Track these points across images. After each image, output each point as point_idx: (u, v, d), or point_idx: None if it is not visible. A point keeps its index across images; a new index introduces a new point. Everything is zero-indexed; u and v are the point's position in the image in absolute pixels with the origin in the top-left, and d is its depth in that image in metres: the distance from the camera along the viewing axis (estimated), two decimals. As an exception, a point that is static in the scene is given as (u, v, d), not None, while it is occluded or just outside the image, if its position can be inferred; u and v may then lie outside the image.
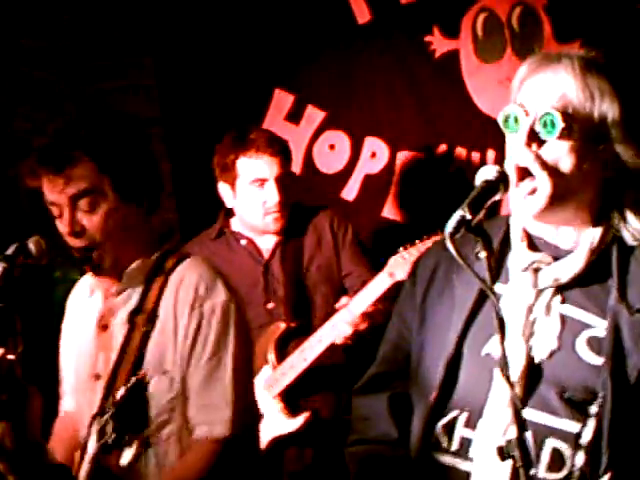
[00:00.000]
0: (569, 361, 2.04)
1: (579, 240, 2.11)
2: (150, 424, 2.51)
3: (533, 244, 2.13)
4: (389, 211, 4.43)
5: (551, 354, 2.05)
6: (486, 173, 2.02)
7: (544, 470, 2.00)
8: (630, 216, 2.09)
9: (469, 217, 1.89)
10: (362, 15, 4.43)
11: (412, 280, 2.32)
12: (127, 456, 2.35)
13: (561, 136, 2.01)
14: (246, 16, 4.47)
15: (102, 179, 2.54)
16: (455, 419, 2.11)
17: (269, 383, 3.68)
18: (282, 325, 3.69)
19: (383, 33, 4.41)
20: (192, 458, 2.55)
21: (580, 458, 1.99)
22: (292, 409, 3.68)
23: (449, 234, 1.87)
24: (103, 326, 2.65)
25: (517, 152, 2.04)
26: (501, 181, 2.02)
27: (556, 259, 2.10)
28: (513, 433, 1.91)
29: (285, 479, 3.69)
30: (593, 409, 2.00)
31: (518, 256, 2.12)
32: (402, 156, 4.38)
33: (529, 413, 2.02)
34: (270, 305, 3.74)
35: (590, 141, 2.05)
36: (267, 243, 3.81)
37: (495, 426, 2.04)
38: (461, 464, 2.08)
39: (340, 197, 4.48)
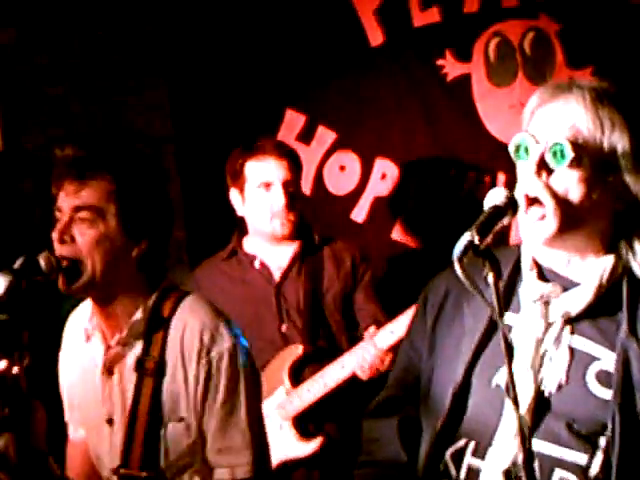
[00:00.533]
0: (578, 394, 2.03)
1: (589, 272, 2.10)
2: (172, 468, 2.55)
3: (543, 274, 2.13)
4: (398, 234, 4.42)
5: (560, 387, 2.05)
6: (495, 198, 2.03)
7: None
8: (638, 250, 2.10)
9: (477, 241, 1.89)
10: (375, 38, 4.44)
11: (423, 305, 2.32)
12: None
13: (571, 166, 2.02)
14: (258, 37, 4.48)
15: (109, 204, 2.53)
16: (463, 448, 2.12)
17: (282, 405, 3.67)
18: (299, 349, 3.67)
19: (395, 56, 4.42)
20: None
21: None
22: (304, 433, 3.67)
23: (457, 258, 1.87)
24: (109, 372, 2.63)
25: (527, 181, 2.05)
26: (509, 206, 2.03)
27: (565, 290, 2.09)
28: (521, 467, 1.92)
29: None
30: (602, 441, 2.00)
31: (529, 286, 2.12)
32: (412, 178, 4.39)
33: (537, 444, 2.01)
34: (284, 327, 3.73)
35: (600, 171, 2.05)
36: (279, 263, 3.79)
37: (503, 456, 2.04)
38: None
39: (350, 218, 4.47)
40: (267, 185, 3.68)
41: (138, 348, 2.59)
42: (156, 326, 2.59)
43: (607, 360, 2.05)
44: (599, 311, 2.09)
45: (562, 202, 2.03)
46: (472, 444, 2.10)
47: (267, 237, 3.77)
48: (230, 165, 3.78)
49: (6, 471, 1.75)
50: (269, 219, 3.71)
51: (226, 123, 4.46)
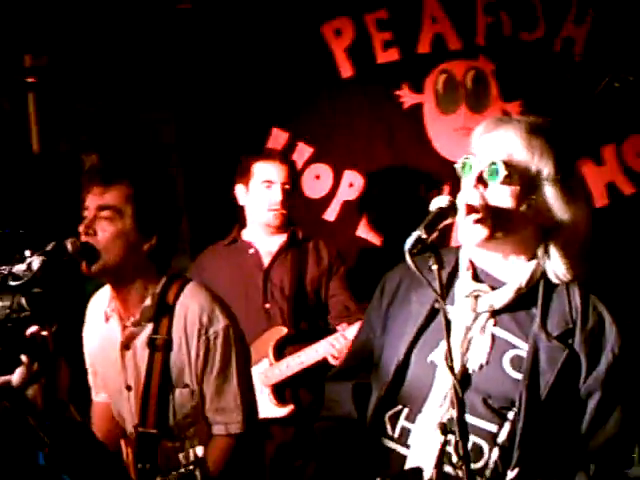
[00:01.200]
0: (494, 374, 2.05)
1: (513, 274, 2.11)
2: (179, 425, 2.57)
3: (477, 275, 2.13)
4: (362, 231, 4.42)
5: (481, 367, 2.06)
6: (440, 202, 2.03)
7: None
8: (554, 260, 2.10)
9: (425, 236, 1.90)
10: (345, 71, 4.43)
11: (380, 291, 2.32)
12: None
13: (503, 182, 2.03)
14: (250, 69, 4.45)
15: (127, 206, 2.54)
16: (399, 412, 2.13)
17: (265, 374, 3.66)
18: (284, 330, 3.67)
19: (362, 86, 4.42)
20: (214, 451, 2.59)
21: (495, 453, 2.01)
22: (280, 398, 3.67)
23: (408, 250, 1.88)
24: (126, 347, 2.64)
25: (468, 192, 2.06)
26: (451, 208, 2.03)
27: (493, 288, 2.10)
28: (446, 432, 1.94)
29: (273, 446, 3.66)
30: (510, 415, 2.01)
31: (463, 284, 2.12)
32: (374, 186, 4.38)
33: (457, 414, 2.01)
34: (267, 305, 3.72)
35: (527, 190, 2.05)
36: (269, 252, 3.78)
37: (430, 422, 2.05)
38: (400, 449, 2.09)
39: (323, 218, 4.46)
40: (269, 183, 3.70)
41: (149, 328, 2.60)
42: (163, 311, 2.60)
43: (521, 348, 2.06)
44: (519, 307, 2.10)
45: (494, 211, 2.04)
46: (406, 410, 2.11)
47: (262, 226, 3.77)
48: (240, 166, 3.79)
49: (34, 416, 1.74)
50: (266, 210, 3.73)
51: (222, 138, 4.43)
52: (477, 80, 4.31)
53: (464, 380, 2.05)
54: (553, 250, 2.09)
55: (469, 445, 1.95)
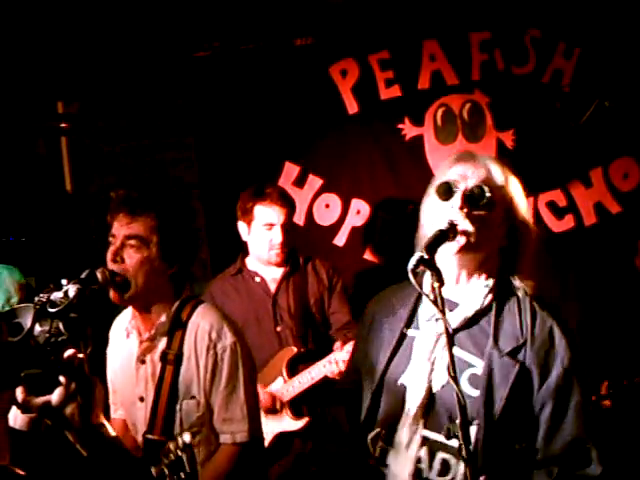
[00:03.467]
0: (450, 392, 2.02)
1: (469, 293, 2.11)
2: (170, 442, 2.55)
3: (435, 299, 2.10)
4: (369, 255, 4.43)
5: (443, 386, 2.05)
6: (440, 224, 2.05)
7: (435, 475, 2.02)
8: (516, 275, 2.12)
9: (426, 257, 1.91)
10: (352, 107, 4.46)
11: (361, 323, 2.33)
12: None
13: (485, 205, 2.05)
14: (264, 109, 4.49)
15: (153, 236, 2.55)
16: (377, 434, 2.12)
17: (281, 392, 3.66)
18: (294, 349, 3.67)
19: (367, 121, 4.44)
20: (220, 459, 2.60)
21: (461, 466, 1.98)
22: (296, 413, 3.66)
23: (410, 269, 1.88)
24: (141, 361, 2.65)
25: (452, 213, 2.06)
26: (450, 230, 2.05)
27: (450, 310, 2.09)
28: (415, 450, 2.00)
29: (293, 458, 3.66)
30: (472, 430, 1.96)
31: (425, 309, 2.13)
32: (379, 213, 4.40)
33: (426, 433, 2.03)
34: (278, 328, 3.71)
35: (503, 213, 2.09)
36: (274, 279, 3.78)
37: (403, 441, 2.05)
38: (381, 469, 2.09)
39: (333, 243, 4.47)
40: (270, 225, 3.67)
41: (163, 343, 2.61)
42: (177, 327, 2.61)
43: (477, 366, 2.05)
44: (474, 324, 2.09)
45: (474, 228, 2.05)
46: (383, 432, 2.10)
47: (264, 261, 3.77)
48: (241, 204, 3.76)
49: (73, 432, 1.76)
50: (267, 250, 3.71)
51: (239, 172, 4.45)
52: (473, 112, 4.34)
53: (430, 400, 2.05)
54: (513, 267, 2.11)
55: (438, 461, 1.99)
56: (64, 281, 1.87)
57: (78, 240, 4.27)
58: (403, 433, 2.05)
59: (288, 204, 3.73)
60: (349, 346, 3.42)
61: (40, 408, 1.74)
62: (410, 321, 2.15)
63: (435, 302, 1.88)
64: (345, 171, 4.48)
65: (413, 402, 2.06)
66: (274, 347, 3.69)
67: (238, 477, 2.59)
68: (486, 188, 2.06)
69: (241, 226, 3.80)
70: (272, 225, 3.67)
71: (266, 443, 3.53)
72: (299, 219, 4.37)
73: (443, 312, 1.88)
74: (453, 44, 4.33)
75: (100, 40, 4.31)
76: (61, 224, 4.37)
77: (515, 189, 2.13)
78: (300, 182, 4.49)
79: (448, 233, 2.03)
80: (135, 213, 2.54)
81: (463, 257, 2.08)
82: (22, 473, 1.71)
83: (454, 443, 1.95)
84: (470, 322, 2.09)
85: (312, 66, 4.45)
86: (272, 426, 3.63)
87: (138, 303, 2.61)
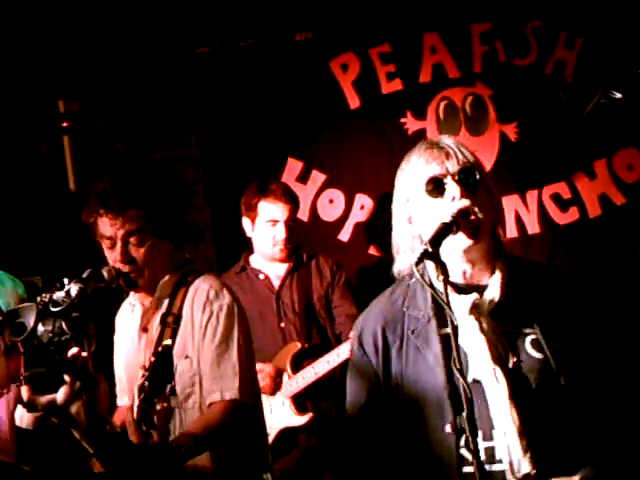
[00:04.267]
0: (527, 363, 2.01)
1: (490, 273, 2.09)
2: (179, 396, 2.54)
3: (459, 289, 2.06)
4: (373, 250, 4.43)
5: (514, 365, 2.01)
6: (443, 217, 2.04)
7: (544, 442, 1.99)
8: (499, 241, 2.11)
9: (430, 250, 1.90)
10: (353, 102, 4.46)
11: (360, 350, 2.17)
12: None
13: (480, 185, 2.04)
14: (267, 105, 4.48)
15: (146, 224, 2.57)
16: (468, 439, 1.91)
17: (285, 387, 3.67)
18: (298, 345, 3.67)
19: (369, 116, 4.44)
20: (208, 415, 2.53)
21: (559, 426, 1.98)
22: (300, 408, 3.67)
23: (415, 263, 1.87)
24: (144, 329, 2.66)
25: (454, 204, 2.00)
26: (454, 223, 2.03)
27: (481, 294, 2.05)
28: (518, 431, 1.94)
29: (298, 452, 3.67)
30: (556, 389, 1.98)
31: (456, 302, 2.02)
32: (383, 208, 4.38)
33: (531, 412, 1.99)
34: (282, 324, 3.73)
35: (484, 190, 2.06)
36: (278, 276, 3.79)
37: (510, 433, 1.98)
38: (492, 467, 1.99)
39: (337, 239, 4.47)
40: (274, 222, 3.68)
41: (164, 307, 2.62)
42: (179, 288, 2.63)
43: (529, 333, 2.04)
44: (509, 300, 2.06)
45: (482, 212, 2.01)
46: (480, 432, 1.97)
47: (268, 257, 3.78)
48: (246, 200, 3.77)
49: (78, 429, 1.76)
50: (271, 246, 3.72)
51: (242, 168, 4.45)
52: (475, 105, 4.34)
53: (513, 379, 1.99)
54: (499, 234, 2.11)
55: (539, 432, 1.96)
56: (66, 280, 1.87)
57: (82, 239, 4.28)
58: (503, 423, 1.98)
59: (292, 200, 3.74)
60: None
61: (45, 407, 1.75)
62: (441, 320, 2.04)
63: (442, 296, 1.86)
64: (348, 166, 4.48)
65: (498, 391, 1.99)
66: (278, 343, 3.70)
67: (226, 435, 2.51)
68: (474, 170, 2.03)
69: (245, 222, 3.81)
70: (276, 221, 3.68)
71: (270, 439, 3.54)
72: (303, 215, 4.36)
73: (449, 305, 1.86)
74: (454, 36, 4.33)
75: (100, 38, 4.31)
76: (65, 223, 4.37)
77: (479, 161, 2.10)
78: (303, 178, 4.48)
79: (452, 226, 2.00)
80: (123, 210, 2.55)
81: (474, 248, 2.05)
82: (28, 469, 1.72)
83: (550, 407, 1.98)
84: (504, 298, 2.06)
85: (312, 61, 4.45)
86: (276, 421, 3.64)
87: (148, 287, 2.63)
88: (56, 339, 1.74)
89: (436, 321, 2.06)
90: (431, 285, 1.95)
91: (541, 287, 2.10)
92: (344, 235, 4.46)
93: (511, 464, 1.97)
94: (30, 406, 1.73)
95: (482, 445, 2.00)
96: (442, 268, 1.89)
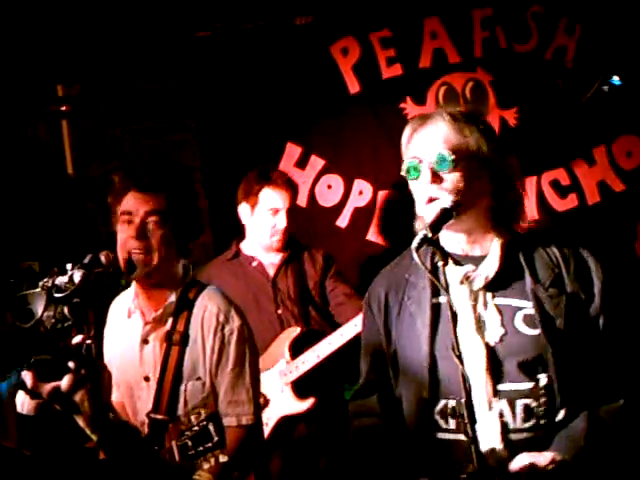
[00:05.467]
0: (515, 338, 2.05)
1: (488, 245, 2.12)
2: (188, 415, 2.53)
3: (456, 261, 2.12)
4: (372, 235, 4.42)
5: (501, 338, 2.05)
6: (443, 202, 2.05)
7: (521, 422, 2.03)
8: (508, 212, 2.13)
9: (430, 235, 1.92)
10: (353, 87, 4.44)
11: (368, 309, 2.29)
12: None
13: (453, 168, 2.05)
14: (266, 89, 4.46)
15: (168, 212, 2.56)
16: (446, 405, 2.08)
17: (284, 373, 3.65)
18: (297, 330, 3.66)
19: (369, 101, 4.42)
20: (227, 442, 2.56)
21: (542, 406, 2.02)
22: (300, 394, 3.64)
23: (415, 248, 1.91)
24: (144, 341, 2.66)
25: (426, 188, 2.08)
26: (454, 209, 2.04)
27: (476, 265, 2.10)
28: (497, 406, 1.99)
29: (294, 444, 3.65)
30: (542, 368, 2.01)
31: (451, 272, 2.08)
32: (382, 194, 4.39)
33: (500, 387, 2.03)
34: (279, 311, 3.71)
35: (475, 166, 2.08)
36: (272, 263, 3.77)
37: (482, 404, 2.04)
38: (462, 437, 2.00)
39: (335, 224, 4.45)
40: (275, 210, 3.67)
41: (168, 324, 2.61)
42: (183, 307, 2.61)
43: (527, 307, 2.06)
44: (505, 272, 2.10)
45: (452, 193, 2.05)
46: (453, 402, 2.04)
47: (263, 246, 3.77)
48: (246, 186, 3.74)
49: (81, 417, 1.77)
50: (269, 236, 3.71)
51: (241, 154, 4.43)
52: (475, 90, 4.32)
53: (492, 354, 2.04)
54: (503, 206, 2.12)
55: (520, 409, 1.99)
56: (69, 266, 1.87)
57: (80, 224, 4.28)
58: (478, 395, 2.04)
59: (293, 189, 3.75)
60: (357, 319, 3.41)
61: (50, 394, 1.74)
62: (436, 289, 2.12)
63: (440, 281, 1.91)
64: (347, 152, 4.46)
65: (477, 363, 2.05)
66: (275, 330, 3.69)
67: (241, 460, 2.59)
68: (446, 153, 2.05)
69: (243, 208, 3.78)
70: (277, 210, 3.67)
71: (269, 429, 3.53)
72: (301, 200, 4.35)
73: (447, 291, 1.89)
74: (455, 22, 4.31)
75: (100, 22, 4.28)
76: (63, 207, 4.37)
77: (481, 132, 2.11)
78: (302, 163, 4.47)
79: (452, 211, 2.03)
80: (150, 190, 2.53)
81: (461, 220, 2.08)
82: (29, 454, 1.73)
83: (529, 385, 2.01)
84: (501, 270, 2.09)
85: (312, 45, 4.43)
86: (275, 409, 3.62)
87: (150, 280, 2.61)
88: (59, 325, 1.74)
89: (430, 289, 2.11)
90: (433, 269, 1.98)
91: (543, 258, 2.11)
92: (342, 221, 4.45)
93: (482, 436, 2.00)
94: (34, 393, 1.73)
95: (454, 414, 2.04)
96: (441, 253, 1.92)
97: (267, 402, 3.62)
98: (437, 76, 4.35)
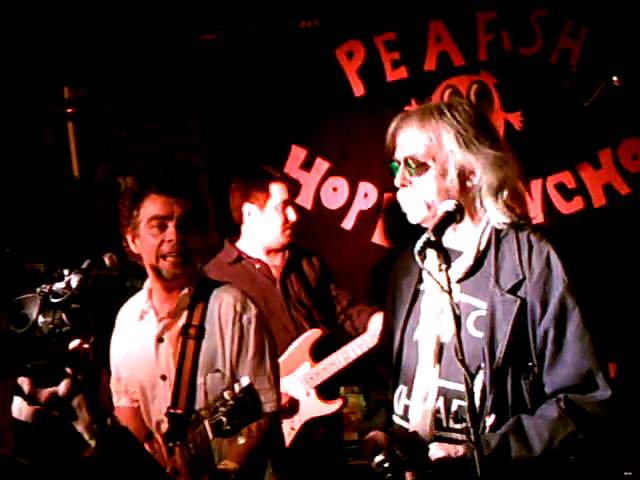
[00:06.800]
0: (464, 338, 1.99)
1: (466, 241, 2.12)
2: (209, 408, 2.51)
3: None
4: (377, 238, 4.40)
5: (452, 336, 2.01)
6: (446, 206, 2.04)
7: (453, 422, 2.04)
8: (490, 208, 2.11)
9: (433, 238, 1.91)
10: (358, 90, 4.42)
11: (388, 287, 2.37)
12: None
13: (420, 172, 2.11)
14: (271, 92, 4.44)
15: (194, 215, 2.59)
16: (401, 391, 2.16)
17: (308, 376, 3.60)
18: (318, 332, 3.62)
19: (374, 103, 4.39)
20: (252, 429, 2.52)
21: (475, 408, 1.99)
22: (327, 396, 3.61)
23: (417, 251, 1.90)
24: (160, 339, 2.64)
25: (400, 189, 2.17)
26: (457, 212, 2.03)
27: (455, 259, 2.10)
28: (432, 401, 2.02)
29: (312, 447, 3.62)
30: (480, 371, 2.01)
31: (429, 262, 2.06)
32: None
33: (441, 383, 2.05)
34: (293, 312, 3.66)
35: (445, 165, 2.10)
36: (274, 265, 3.72)
37: (420, 395, 2.07)
38: (404, 424, 2.12)
39: (340, 227, 4.43)
40: (286, 204, 3.63)
41: (183, 318, 2.60)
42: (198, 300, 2.60)
43: (481, 308, 2.06)
44: (477, 270, 2.10)
45: (422, 192, 2.12)
46: (405, 388, 2.13)
47: (266, 247, 3.69)
48: (252, 184, 3.68)
49: (79, 424, 1.73)
50: (281, 232, 3.63)
51: (247, 156, 4.41)
52: (480, 93, 4.30)
53: (441, 350, 2.07)
54: (486, 201, 2.10)
55: (454, 409, 2.01)
56: (66, 271, 1.84)
57: (85, 226, 4.26)
58: (420, 386, 2.07)
59: (292, 182, 3.78)
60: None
61: (47, 400, 1.72)
62: (421, 276, 2.17)
63: (437, 280, 1.89)
64: (352, 154, 4.44)
65: (426, 355, 2.07)
66: (290, 332, 3.63)
67: (265, 447, 2.58)
68: (410, 161, 2.11)
69: (248, 209, 3.70)
70: (288, 203, 3.64)
71: (293, 433, 3.50)
72: (307, 203, 4.34)
73: (450, 293, 1.86)
74: (459, 25, 4.29)
75: (106, 25, 4.29)
76: (69, 209, 4.36)
77: (446, 130, 2.10)
78: (307, 165, 4.45)
79: (455, 214, 2.02)
80: (179, 194, 2.55)
81: (428, 215, 2.12)
82: (26, 462, 1.70)
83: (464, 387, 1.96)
84: (474, 268, 2.10)
85: (318, 48, 4.41)
86: (302, 413, 3.57)
87: (179, 282, 2.61)
88: (57, 331, 1.71)
89: (418, 275, 2.17)
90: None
91: (513, 262, 2.08)
92: (347, 223, 4.42)
93: (415, 427, 2.07)
94: (31, 399, 1.71)
95: (403, 402, 2.15)
96: (444, 257, 1.89)
97: (297, 407, 3.57)
98: (442, 79, 4.33)
